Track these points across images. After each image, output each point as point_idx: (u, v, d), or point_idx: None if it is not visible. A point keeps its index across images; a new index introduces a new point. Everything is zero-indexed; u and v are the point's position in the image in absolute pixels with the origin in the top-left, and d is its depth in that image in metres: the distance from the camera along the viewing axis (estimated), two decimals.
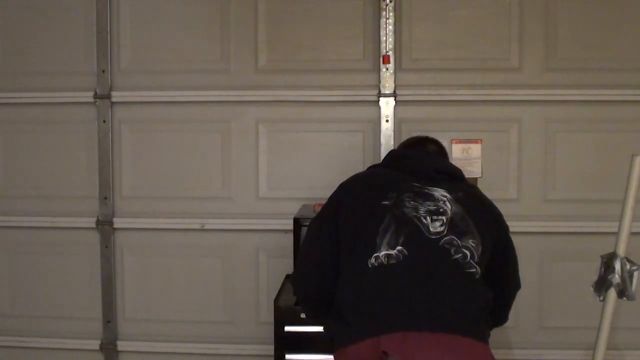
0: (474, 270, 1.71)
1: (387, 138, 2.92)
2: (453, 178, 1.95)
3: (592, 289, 1.87)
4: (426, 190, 1.83)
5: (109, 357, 3.10)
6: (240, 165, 3.00)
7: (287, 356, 2.33)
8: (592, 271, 1.90)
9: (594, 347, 1.86)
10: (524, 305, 2.95)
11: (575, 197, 2.91)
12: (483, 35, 2.90)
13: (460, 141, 2.93)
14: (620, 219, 1.80)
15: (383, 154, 2.92)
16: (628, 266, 1.78)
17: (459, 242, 1.74)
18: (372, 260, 1.71)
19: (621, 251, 1.79)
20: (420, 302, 1.65)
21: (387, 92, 2.90)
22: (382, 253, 1.72)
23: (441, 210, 1.79)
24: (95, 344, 3.09)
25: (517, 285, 2.02)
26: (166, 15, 3.01)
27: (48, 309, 3.12)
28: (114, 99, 3.02)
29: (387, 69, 2.90)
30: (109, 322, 3.08)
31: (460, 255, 1.72)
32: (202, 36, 2.99)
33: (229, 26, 2.98)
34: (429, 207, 1.79)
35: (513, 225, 2.85)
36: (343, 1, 2.94)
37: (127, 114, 3.04)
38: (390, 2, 2.88)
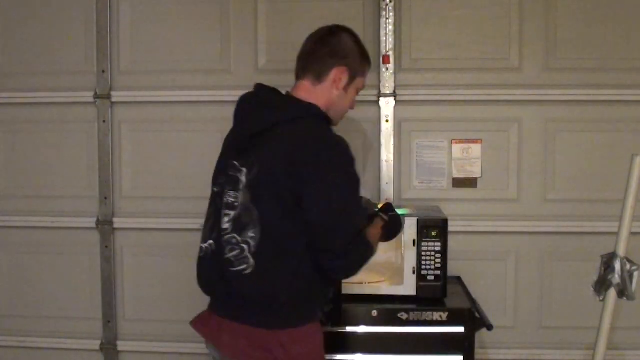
0: (244, 266, 1.82)
1: (387, 138, 2.92)
2: (267, 133, 1.82)
3: (592, 289, 1.87)
4: (237, 175, 1.87)
5: (109, 357, 3.10)
6: None
7: None
8: (592, 271, 1.90)
9: (594, 347, 1.86)
10: (524, 305, 2.96)
11: (575, 197, 2.91)
12: (483, 35, 2.90)
13: (460, 141, 2.93)
14: (620, 219, 1.80)
15: (383, 154, 2.92)
16: (628, 266, 1.79)
17: (239, 238, 1.83)
18: (199, 250, 1.97)
19: (621, 251, 1.80)
20: (213, 293, 1.95)
21: (387, 92, 2.90)
22: (201, 245, 1.96)
23: (235, 204, 1.86)
24: (95, 344, 3.09)
25: (320, 237, 1.79)
26: (166, 15, 3.01)
27: (48, 309, 3.12)
28: (114, 99, 3.01)
29: (387, 69, 2.90)
30: (109, 322, 3.08)
31: (235, 252, 1.83)
32: (202, 36, 2.99)
33: (229, 26, 2.98)
34: (229, 200, 1.88)
35: (513, 225, 2.91)
36: (343, 1, 2.94)
37: (127, 114, 3.04)
38: (390, 2, 2.88)
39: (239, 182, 1.86)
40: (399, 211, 2.18)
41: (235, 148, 1.92)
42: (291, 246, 1.83)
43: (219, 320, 1.92)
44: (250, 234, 1.82)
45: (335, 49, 1.95)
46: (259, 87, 2.00)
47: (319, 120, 1.89)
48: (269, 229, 1.81)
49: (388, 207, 2.09)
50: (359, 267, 1.86)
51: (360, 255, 1.84)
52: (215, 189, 1.97)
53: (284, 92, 2.02)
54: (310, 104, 1.90)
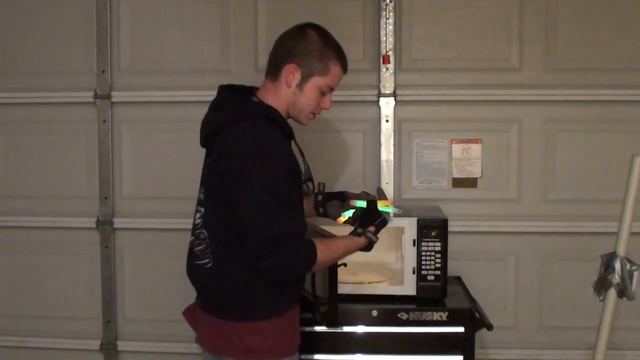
0: (206, 261, 1.90)
1: (387, 138, 2.92)
2: (218, 134, 1.87)
3: (592, 289, 1.87)
4: (205, 171, 1.97)
5: (109, 357, 3.10)
6: None
7: None
8: (592, 271, 1.90)
9: (594, 347, 1.86)
10: (524, 305, 2.96)
11: (575, 197, 2.91)
12: (483, 35, 2.90)
13: (460, 141, 2.93)
14: (620, 219, 1.80)
15: (383, 154, 2.92)
16: (628, 266, 1.78)
17: (206, 233, 1.91)
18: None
19: (621, 251, 1.79)
20: (192, 282, 2.00)
21: (387, 92, 2.90)
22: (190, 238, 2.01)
23: (202, 200, 1.96)
24: (95, 344, 3.09)
25: (238, 222, 1.79)
26: (166, 16, 3.01)
27: (48, 309, 3.12)
28: (114, 99, 3.01)
29: (387, 69, 2.90)
30: (109, 322, 3.08)
31: (201, 247, 1.92)
32: (202, 36, 2.99)
33: (229, 26, 2.98)
34: (200, 196, 1.98)
35: (513, 225, 2.91)
36: (343, 1, 2.94)
37: (127, 114, 3.04)
38: (390, 2, 2.88)
39: (207, 180, 1.96)
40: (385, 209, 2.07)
41: (205, 147, 2.02)
42: (232, 247, 1.85)
43: (198, 310, 2.03)
44: (205, 231, 1.92)
45: (290, 46, 1.90)
46: (221, 89, 2.03)
47: (263, 121, 1.84)
48: (216, 227, 1.89)
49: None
50: (288, 270, 1.81)
51: (288, 257, 1.77)
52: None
53: (248, 88, 2.05)
54: (257, 104, 1.91)
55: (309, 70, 1.90)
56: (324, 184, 2.14)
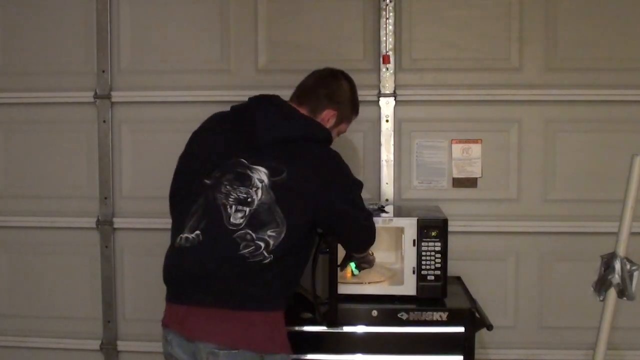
0: (260, 258, 1.91)
1: (387, 138, 2.92)
2: (292, 144, 2.00)
3: (592, 289, 1.87)
4: (248, 172, 1.96)
5: (109, 357, 3.10)
6: None
7: None
8: (592, 271, 1.90)
9: (594, 347, 1.86)
10: (524, 305, 2.96)
11: (575, 197, 2.91)
12: (483, 35, 2.90)
13: (460, 141, 2.93)
14: (620, 219, 1.80)
15: (383, 154, 2.92)
16: (628, 266, 1.79)
17: (254, 235, 1.91)
18: (178, 239, 2.01)
19: (621, 251, 1.80)
20: (201, 283, 1.94)
21: (387, 92, 2.90)
22: (184, 235, 1.99)
23: (249, 200, 1.93)
24: (95, 344, 3.09)
25: (355, 250, 2.29)
26: (166, 15, 3.01)
27: (48, 309, 3.12)
28: (114, 99, 3.01)
29: (387, 69, 2.90)
30: (109, 322, 3.08)
31: (250, 249, 1.91)
32: (202, 36, 2.99)
33: (229, 26, 2.98)
34: (239, 195, 1.94)
35: (513, 225, 2.91)
36: (343, 1, 2.94)
37: (127, 114, 3.04)
38: (390, 2, 2.88)
39: (252, 180, 1.95)
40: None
41: (246, 147, 2.00)
42: (298, 247, 2.00)
43: (189, 308, 1.96)
44: (270, 232, 1.92)
45: (333, 93, 2.17)
46: (273, 97, 2.13)
47: (329, 144, 2.12)
48: (291, 230, 1.93)
49: None
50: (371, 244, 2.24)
51: (373, 235, 2.19)
52: (207, 181, 2.01)
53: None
54: (325, 128, 2.13)
55: (342, 117, 2.21)
56: None
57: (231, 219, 1.94)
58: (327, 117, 2.16)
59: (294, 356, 2.20)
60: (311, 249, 2.12)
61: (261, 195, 1.93)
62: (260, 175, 1.95)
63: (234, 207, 1.95)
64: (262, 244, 1.91)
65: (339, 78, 2.21)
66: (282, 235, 1.93)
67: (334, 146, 2.13)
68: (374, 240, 2.21)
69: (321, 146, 2.06)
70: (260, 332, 1.93)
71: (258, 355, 1.92)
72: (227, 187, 1.96)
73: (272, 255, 1.92)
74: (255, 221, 1.92)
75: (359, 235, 2.15)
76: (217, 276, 1.94)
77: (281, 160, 1.96)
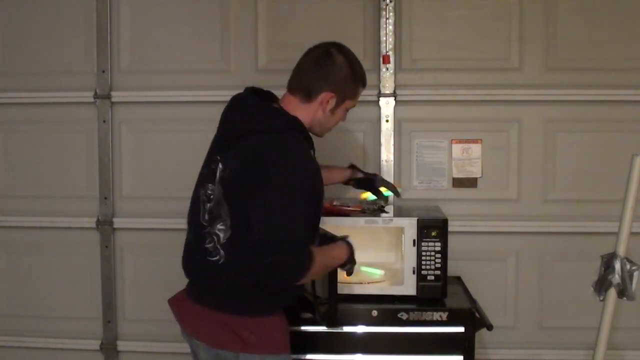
0: (217, 258, 1.93)
1: (387, 138, 2.92)
2: (250, 137, 1.92)
3: (592, 289, 1.87)
4: (215, 169, 1.97)
5: (109, 357, 3.10)
6: None
7: None
8: (592, 271, 1.90)
9: (594, 347, 1.86)
10: (524, 305, 2.96)
11: (575, 197, 2.91)
12: (483, 35, 2.90)
13: (460, 141, 2.93)
14: (620, 219, 1.80)
15: (383, 154, 2.93)
16: (628, 266, 1.79)
17: (211, 229, 1.94)
18: (186, 236, 2.09)
19: (621, 251, 1.80)
20: (190, 276, 2.08)
21: (387, 92, 2.90)
22: (188, 231, 2.08)
23: (212, 196, 1.96)
24: (95, 344, 3.09)
25: (263, 276, 1.85)
26: (166, 15, 3.01)
27: (48, 309, 3.12)
28: (114, 99, 3.01)
29: (387, 69, 2.90)
30: (109, 322, 3.08)
31: (211, 244, 1.94)
32: (202, 36, 2.99)
33: (229, 26, 2.98)
34: (208, 192, 1.98)
35: (513, 225, 2.91)
36: (343, 1, 2.94)
37: (127, 114, 3.04)
38: (390, 2, 2.88)
39: (215, 176, 1.96)
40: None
41: (219, 144, 2.03)
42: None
43: (189, 302, 2.06)
44: (220, 226, 1.93)
45: (327, 73, 2.00)
46: (251, 91, 2.07)
47: (295, 134, 1.94)
48: (236, 224, 1.90)
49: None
50: (290, 278, 1.88)
51: (294, 267, 1.84)
52: (198, 180, 2.08)
53: (278, 97, 2.10)
54: (291, 118, 1.97)
55: (343, 96, 2.03)
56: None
57: (205, 216, 1.98)
58: (326, 100, 2.00)
59: (295, 356, 2.21)
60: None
61: (217, 190, 1.95)
62: (218, 170, 1.96)
63: (206, 204, 1.99)
64: (215, 238, 1.93)
65: (332, 55, 2.01)
66: (229, 230, 1.91)
67: (336, 132, 2.06)
68: (292, 276, 1.86)
69: (272, 137, 1.90)
70: (229, 332, 1.93)
71: (233, 354, 1.93)
72: (205, 184, 2.01)
73: (224, 252, 1.91)
74: (210, 216, 1.96)
75: (265, 248, 1.82)
76: (196, 272, 2.06)
77: (233, 155, 1.93)
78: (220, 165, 1.96)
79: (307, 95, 2.00)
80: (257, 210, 1.84)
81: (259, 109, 1.99)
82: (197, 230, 2.00)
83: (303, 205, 1.86)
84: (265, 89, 2.12)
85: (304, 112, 2.01)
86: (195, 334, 2.03)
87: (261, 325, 1.95)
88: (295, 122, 1.96)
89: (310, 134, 2.04)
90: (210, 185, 1.98)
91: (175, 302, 2.15)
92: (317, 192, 1.94)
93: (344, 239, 2.10)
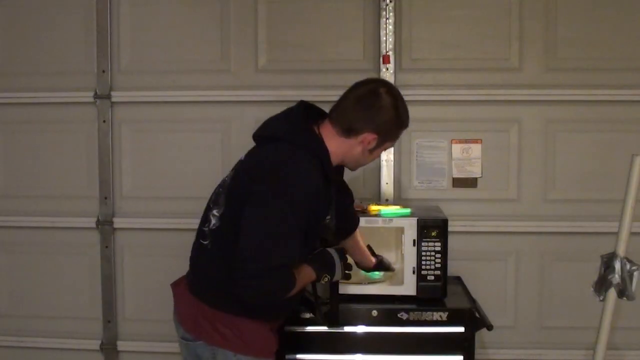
0: (207, 242, 1.97)
1: None
2: (266, 141, 1.97)
3: (592, 289, 1.87)
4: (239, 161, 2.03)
5: (109, 357, 3.10)
6: None
7: (287, 356, 2.33)
8: (592, 271, 1.90)
9: (594, 347, 1.86)
10: (524, 305, 2.96)
11: (575, 197, 2.91)
12: (483, 35, 2.90)
13: (460, 141, 2.93)
14: (620, 219, 1.80)
15: (383, 153, 2.91)
16: (628, 266, 1.79)
17: (209, 212, 1.98)
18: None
19: (621, 251, 1.80)
20: (191, 266, 2.08)
21: None
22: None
23: (226, 183, 2.00)
24: (95, 344, 3.09)
25: (239, 291, 1.81)
26: (166, 15, 3.01)
27: (48, 309, 3.12)
28: (114, 99, 3.01)
29: (387, 69, 2.90)
30: (109, 322, 3.08)
31: (206, 227, 1.97)
32: (202, 36, 2.99)
33: (229, 26, 2.98)
34: (225, 178, 2.02)
35: (513, 225, 2.91)
36: (343, 1, 2.94)
37: (127, 114, 3.04)
38: (390, 2, 2.88)
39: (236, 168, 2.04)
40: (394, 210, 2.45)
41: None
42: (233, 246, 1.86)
43: (183, 287, 2.09)
44: (215, 212, 1.96)
45: (373, 115, 1.93)
46: (303, 105, 2.02)
47: (309, 154, 1.88)
48: (225, 216, 1.93)
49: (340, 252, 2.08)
50: (263, 299, 1.87)
51: (269, 290, 1.82)
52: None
53: (320, 114, 2.03)
54: (322, 145, 1.92)
55: (384, 138, 1.98)
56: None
57: (213, 196, 2.03)
58: (367, 140, 1.94)
59: (295, 356, 2.21)
60: None
61: (227, 180, 2.01)
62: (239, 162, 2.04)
63: (219, 188, 2.03)
64: (209, 222, 1.96)
65: (379, 96, 1.94)
66: (220, 218, 1.94)
67: None
68: (269, 299, 1.87)
69: (278, 146, 1.90)
70: (207, 325, 1.94)
71: (209, 348, 1.94)
72: (226, 180, 2.04)
73: (211, 238, 1.94)
74: (214, 199, 2.01)
75: (243, 265, 1.77)
76: (193, 252, 2.08)
77: (250, 153, 2.03)
78: (242, 157, 2.03)
79: (348, 131, 1.93)
80: (249, 220, 1.81)
81: (295, 123, 1.95)
82: (205, 211, 2.04)
83: (295, 223, 1.80)
84: (313, 104, 2.05)
85: (339, 144, 1.95)
86: (180, 319, 2.06)
87: (238, 323, 1.93)
88: (318, 147, 1.91)
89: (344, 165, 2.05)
90: (232, 172, 2.03)
91: (174, 285, 2.18)
92: (313, 209, 1.86)
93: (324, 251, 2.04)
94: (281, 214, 1.78)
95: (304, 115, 1.98)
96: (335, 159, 1.96)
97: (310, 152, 1.89)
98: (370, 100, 1.93)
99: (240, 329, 1.93)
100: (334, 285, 2.11)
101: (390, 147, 2.13)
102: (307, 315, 2.28)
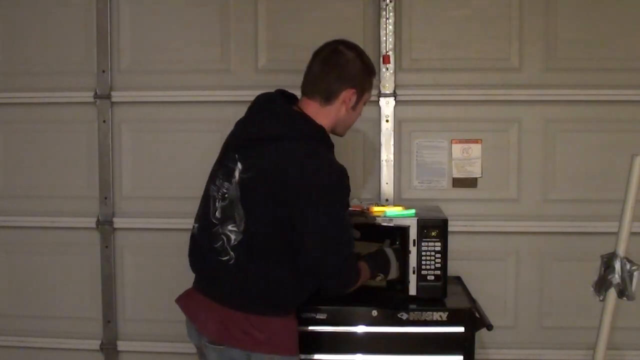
0: (227, 258, 1.94)
1: (387, 138, 2.92)
2: (276, 143, 1.93)
3: (592, 289, 1.87)
4: (233, 167, 1.96)
5: (109, 357, 3.10)
6: None
7: None
8: (592, 271, 1.90)
9: (594, 347, 1.86)
10: (524, 305, 2.96)
11: (575, 197, 2.91)
12: (483, 35, 2.90)
13: (460, 141, 2.93)
14: (620, 219, 1.80)
15: (383, 154, 2.93)
16: (628, 266, 1.79)
17: (221, 229, 1.95)
18: (192, 228, 2.09)
19: (621, 251, 1.80)
20: (197, 272, 2.09)
21: (387, 92, 2.90)
22: (194, 223, 2.08)
23: (226, 195, 1.96)
24: (95, 344, 3.09)
25: (312, 259, 1.91)
26: (166, 15, 3.01)
27: (48, 309, 3.12)
28: (114, 99, 3.01)
29: (387, 69, 2.90)
30: (109, 322, 3.08)
31: (219, 243, 1.95)
32: (202, 36, 2.99)
33: (229, 26, 2.98)
34: (223, 190, 1.97)
35: (513, 225, 2.91)
36: (343, 1, 2.94)
37: (127, 114, 3.04)
38: (390, 2, 2.88)
39: (233, 176, 1.95)
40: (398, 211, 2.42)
41: (239, 143, 2.01)
42: (268, 250, 1.94)
43: (201, 298, 2.04)
44: (231, 227, 1.94)
45: (343, 71, 2.00)
46: (278, 93, 2.06)
47: (321, 144, 1.98)
48: (251, 229, 1.91)
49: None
50: (346, 288, 2.02)
51: (349, 278, 2.00)
52: (210, 175, 2.07)
53: (297, 98, 2.09)
54: (317, 126, 1.98)
55: (362, 90, 2.06)
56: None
57: (216, 214, 1.99)
58: (347, 98, 2.01)
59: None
60: (275, 259, 1.96)
61: (233, 191, 1.95)
62: (237, 170, 1.95)
63: (218, 202, 1.99)
64: (224, 238, 1.94)
65: (341, 52, 2.02)
66: (241, 233, 1.92)
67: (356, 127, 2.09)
68: (349, 281, 2.01)
69: (303, 145, 1.92)
70: (238, 330, 1.94)
71: (244, 353, 1.94)
72: (219, 180, 2.00)
73: (234, 254, 1.93)
74: (222, 215, 1.96)
75: (324, 262, 1.91)
76: (205, 269, 2.05)
77: (257, 158, 1.93)
78: (239, 166, 1.95)
79: (327, 97, 2.01)
80: (306, 226, 1.88)
81: (286, 113, 1.99)
82: (205, 226, 2.01)
83: (345, 220, 1.96)
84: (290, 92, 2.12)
85: (325, 114, 2.02)
86: (203, 328, 2.01)
87: (270, 325, 1.96)
88: (322, 133, 1.99)
89: (332, 134, 2.06)
90: (226, 183, 1.97)
91: (183, 299, 2.14)
92: (349, 191, 2.01)
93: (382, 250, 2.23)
94: (338, 206, 1.93)
95: (288, 103, 2.03)
96: (328, 130, 2.03)
97: (319, 141, 1.97)
98: (335, 59, 2.01)
99: (271, 329, 1.96)
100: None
101: (369, 98, 2.14)
102: (306, 315, 2.28)
